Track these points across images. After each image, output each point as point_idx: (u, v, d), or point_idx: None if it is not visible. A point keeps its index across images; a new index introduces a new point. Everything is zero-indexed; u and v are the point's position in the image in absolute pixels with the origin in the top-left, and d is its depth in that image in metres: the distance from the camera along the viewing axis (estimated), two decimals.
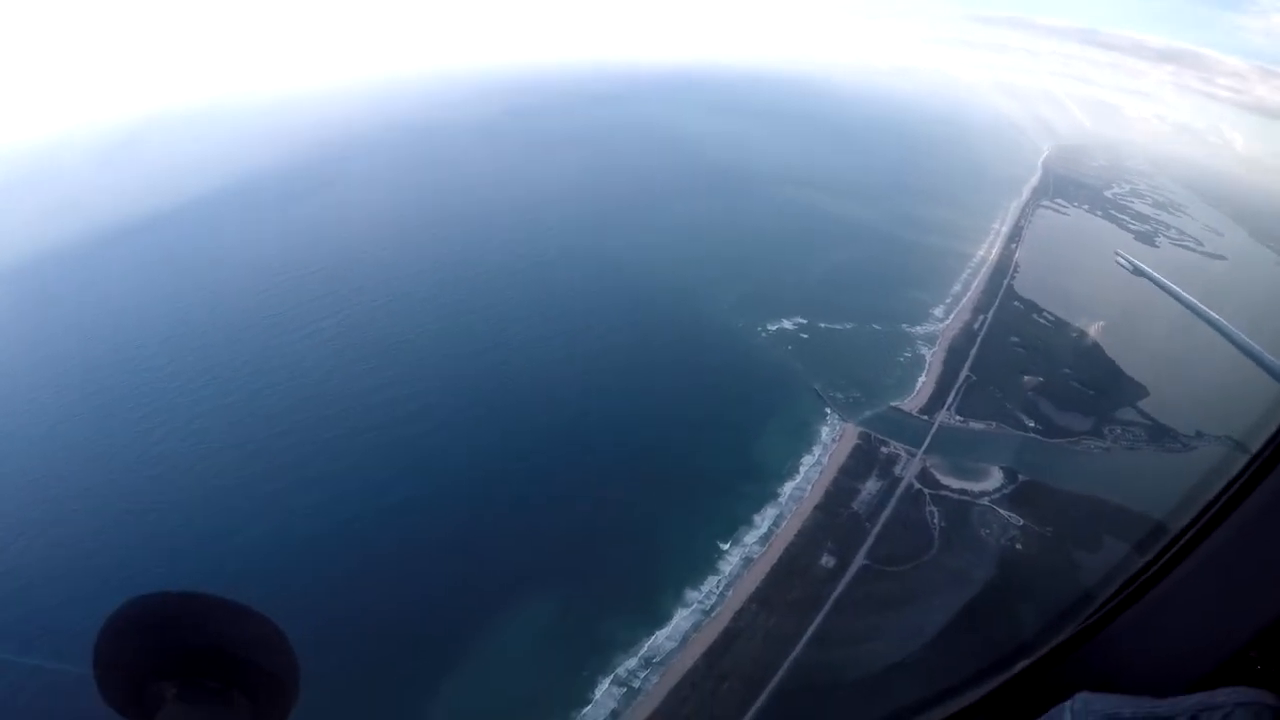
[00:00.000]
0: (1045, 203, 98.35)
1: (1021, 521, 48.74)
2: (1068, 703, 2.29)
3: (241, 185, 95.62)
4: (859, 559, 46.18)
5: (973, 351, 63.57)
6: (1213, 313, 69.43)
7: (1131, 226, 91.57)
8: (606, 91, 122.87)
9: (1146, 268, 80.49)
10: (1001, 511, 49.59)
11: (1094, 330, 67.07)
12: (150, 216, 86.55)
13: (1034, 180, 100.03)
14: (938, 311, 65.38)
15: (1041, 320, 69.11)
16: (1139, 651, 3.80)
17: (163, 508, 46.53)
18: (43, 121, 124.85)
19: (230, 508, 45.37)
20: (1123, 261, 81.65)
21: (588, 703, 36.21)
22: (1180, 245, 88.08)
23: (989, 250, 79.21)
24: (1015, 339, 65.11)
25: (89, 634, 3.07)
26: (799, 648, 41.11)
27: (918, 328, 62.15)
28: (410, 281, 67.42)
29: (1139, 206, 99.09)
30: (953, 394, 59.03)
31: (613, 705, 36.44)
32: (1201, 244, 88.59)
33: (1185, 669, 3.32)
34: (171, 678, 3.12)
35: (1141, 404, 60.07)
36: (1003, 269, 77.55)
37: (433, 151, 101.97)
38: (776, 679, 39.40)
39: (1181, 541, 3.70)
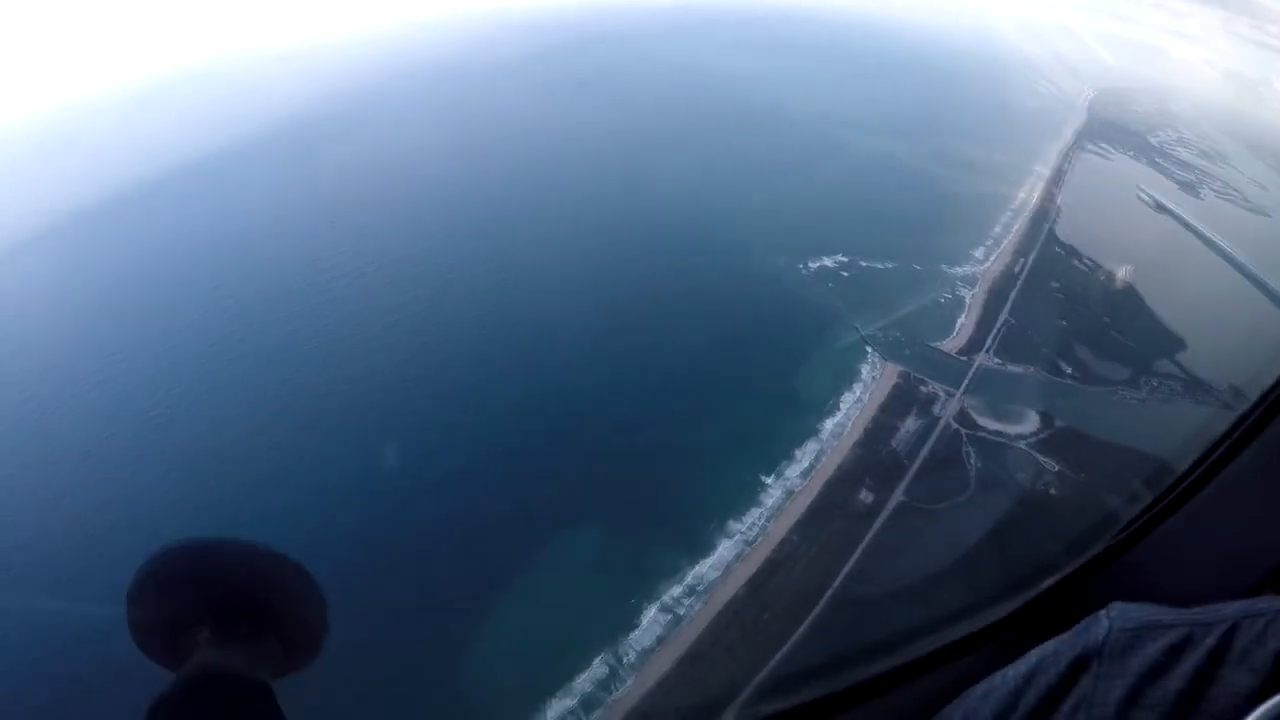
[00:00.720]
0: (1089, 146, 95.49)
1: (1056, 467, 48.77)
2: (1103, 611, 2.10)
3: (261, 138, 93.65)
4: (897, 495, 46.41)
5: (1012, 295, 62.67)
6: (1248, 263, 68.40)
7: (1176, 175, 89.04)
8: (630, 29, 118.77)
9: (1169, 204, 78.89)
10: (1037, 456, 49.54)
11: (1134, 279, 65.87)
12: (179, 168, 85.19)
13: (1078, 123, 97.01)
14: (978, 253, 64.24)
15: (1082, 266, 67.91)
16: (1176, 564, 3.66)
17: (207, 449, 46.72)
18: (56, 86, 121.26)
19: (266, 450, 45.47)
20: (1144, 197, 79.97)
21: (635, 627, 36.82)
22: (1224, 198, 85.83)
23: (1030, 193, 77.31)
24: (1055, 284, 64.13)
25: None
26: (838, 580, 41.65)
27: (958, 269, 61.13)
28: (440, 227, 66.52)
29: (1184, 155, 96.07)
30: (992, 336, 58.41)
31: (659, 631, 37.06)
32: (1246, 198, 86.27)
33: (1226, 582, 3.18)
34: (203, 624, 3.16)
35: (1179, 356, 59.31)
36: (1044, 213, 75.87)
37: (454, 97, 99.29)
38: (816, 609, 39.98)
39: (1222, 448, 3.50)
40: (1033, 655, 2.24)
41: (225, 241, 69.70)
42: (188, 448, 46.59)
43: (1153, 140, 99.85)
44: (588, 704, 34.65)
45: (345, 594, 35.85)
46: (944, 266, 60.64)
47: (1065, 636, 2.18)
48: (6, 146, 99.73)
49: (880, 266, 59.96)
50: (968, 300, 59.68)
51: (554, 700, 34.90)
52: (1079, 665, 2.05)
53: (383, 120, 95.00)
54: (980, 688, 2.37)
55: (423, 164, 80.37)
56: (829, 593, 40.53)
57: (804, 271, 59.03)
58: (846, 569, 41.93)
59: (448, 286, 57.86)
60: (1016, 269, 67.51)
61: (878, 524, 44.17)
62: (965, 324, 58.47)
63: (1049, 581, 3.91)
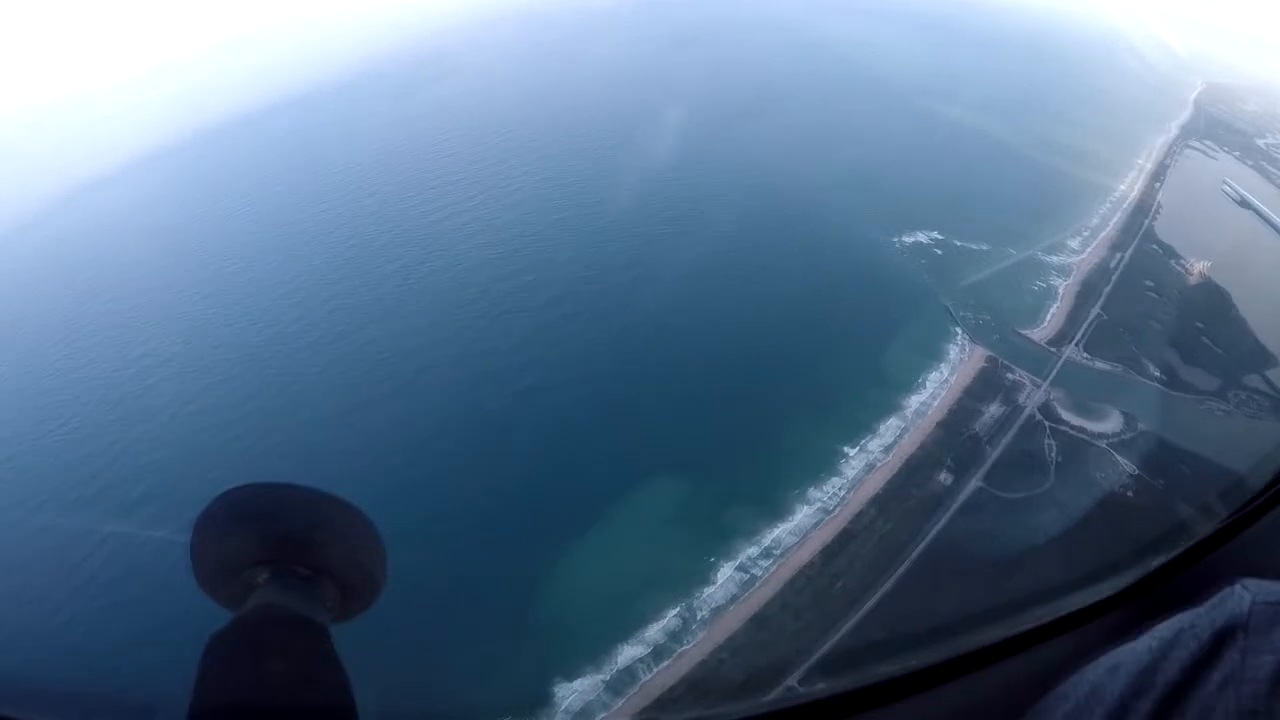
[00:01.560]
0: (1194, 143, 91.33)
1: (1135, 470, 47.69)
2: (1237, 585, 1.94)
3: (362, 76, 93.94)
4: (975, 480, 45.98)
5: (1106, 290, 60.86)
6: None
7: None
8: None
9: (1254, 200, 75.70)
10: (1117, 456, 48.51)
11: (1231, 287, 63.50)
12: (281, 104, 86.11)
13: (1183, 117, 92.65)
14: (1074, 243, 62.26)
15: (1178, 267, 65.56)
16: None
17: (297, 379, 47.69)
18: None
19: (362, 384, 46.24)
20: (1229, 190, 76.81)
21: (711, 584, 37.24)
22: None
23: (1131, 186, 74.43)
24: (1150, 283, 62.05)
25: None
26: (910, 557, 41.59)
27: (1052, 257, 59.39)
28: (539, 171, 66.13)
29: None
30: (1081, 330, 56.99)
31: (733, 590, 37.46)
32: None
33: None
34: (264, 564, 3.18)
35: (1269, 373, 57.40)
36: (1144, 208, 73.10)
37: (554, 41, 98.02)
38: (887, 584, 40.01)
39: None
40: (1164, 628, 2.11)
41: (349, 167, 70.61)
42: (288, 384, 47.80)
43: (1260, 143, 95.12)
44: (658, 653, 35.23)
45: (434, 527, 36.82)
46: (1039, 253, 58.98)
47: (1200, 610, 2.05)
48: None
49: (974, 247, 58.45)
50: (1060, 290, 58.09)
51: (625, 646, 35.55)
52: (1221, 639, 1.94)
53: (479, 63, 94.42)
54: (1106, 661, 2.25)
55: (519, 106, 79.94)
56: (902, 569, 40.49)
57: (897, 245, 57.83)
58: (920, 548, 41.76)
59: (538, 241, 57.82)
60: (1112, 264, 65.44)
61: (954, 506, 43.86)
62: (1056, 314, 57.04)
63: (1158, 560, 3.72)
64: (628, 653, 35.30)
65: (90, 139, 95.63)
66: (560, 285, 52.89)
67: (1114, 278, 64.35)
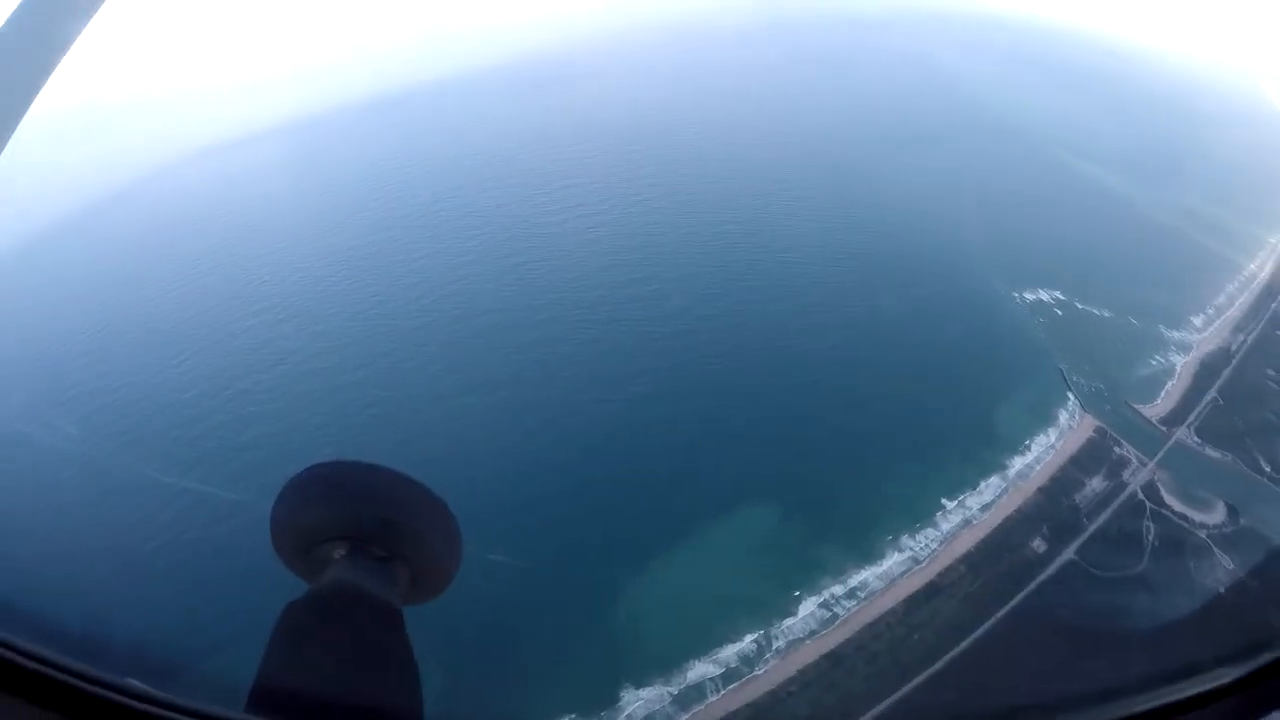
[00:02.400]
0: None
1: (1231, 566, 45.86)
2: None
3: (493, 74, 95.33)
4: (1068, 552, 44.96)
5: (1225, 373, 58.44)
6: None
7: None
8: (873, 15, 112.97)
9: None
10: (1216, 550, 46.76)
11: None
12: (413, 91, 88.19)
13: None
14: (1197, 320, 59.83)
15: None
16: None
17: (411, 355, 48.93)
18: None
19: (472, 372, 47.20)
20: None
21: (792, 615, 37.37)
22: None
23: (1262, 266, 70.99)
24: (1272, 372, 59.20)
25: None
26: (992, 621, 40.88)
27: (1174, 332, 57.20)
28: (658, 179, 66.19)
29: None
30: (1195, 413, 54.90)
31: (813, 625, 37.59)
32: None
33: None
34: (342, 540, 3.23)
35: None
36: (1273, 290, 69.67)
37: (689, 54, 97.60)
38: (965, 643, 39.41)
39: None
40: None
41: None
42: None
43: None
44: (729, 675, 35.53)
45: (528, 517, 37.51)
46: (1161, 326, 56.89)
47: None
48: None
49: (1096, 312, 56.73)
50: (1178, 368, 56.03)
51: (698, 663, 35.90)
52: None
53: (611, 71, 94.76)
54: None
55: (647, 114, 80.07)
56: (982, 630, 39.85)
57: (1018, 300, 56.47)
58: (1004, 612, 41.05)
59: (665, 253, 58.02)
60: (1233, 346, 62.75)
61: (1044, 575, 42.99)
62: (1171, 392, 55.09)
63: (1249, 664, 3.56)
64: (700, 669, 35.70)
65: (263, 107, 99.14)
66: (683, 300, 52.95)
67: (1235, 361, 61.69)
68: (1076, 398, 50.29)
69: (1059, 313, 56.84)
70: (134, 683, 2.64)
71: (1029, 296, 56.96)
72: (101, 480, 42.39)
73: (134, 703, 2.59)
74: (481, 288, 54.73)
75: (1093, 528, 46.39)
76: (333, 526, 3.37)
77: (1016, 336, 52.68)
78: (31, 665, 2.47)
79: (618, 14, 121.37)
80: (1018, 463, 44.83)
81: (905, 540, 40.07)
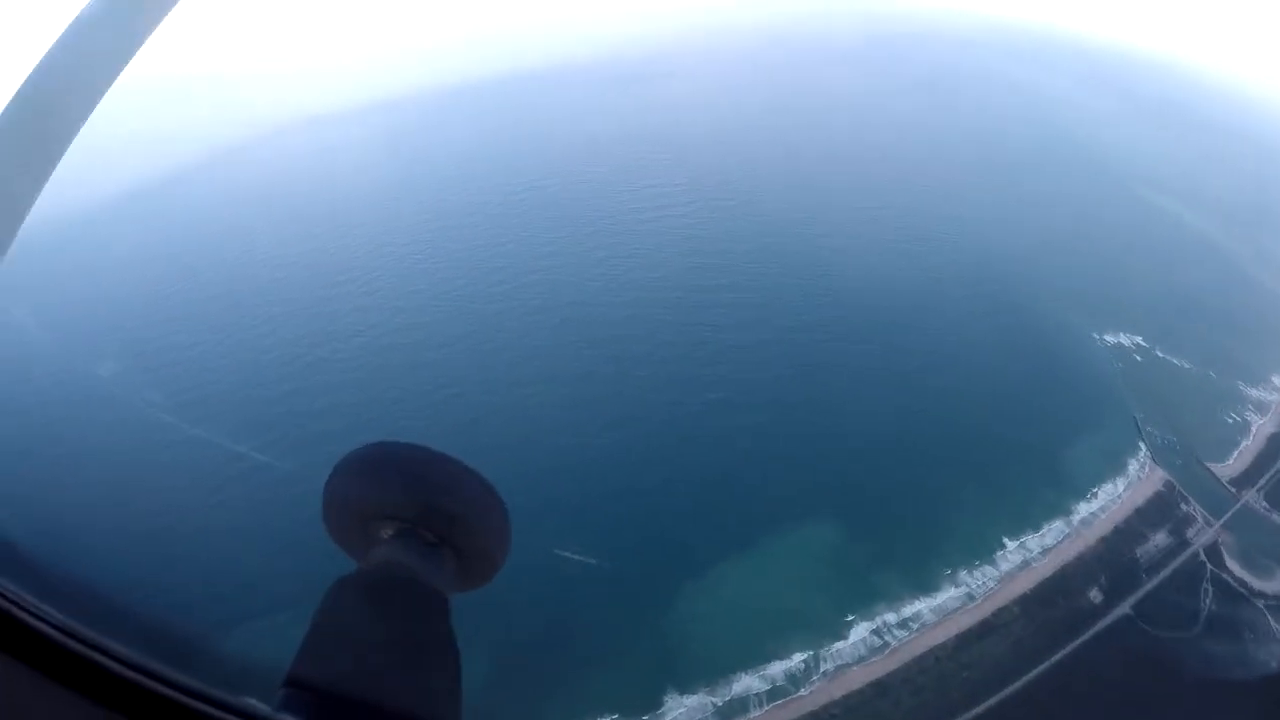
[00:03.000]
0: None
1: None
2: None
3: (589, 68, 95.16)
4: (1124, 606, 44.11)
5: None
6: None
7: None
8: (973, 38, 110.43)
9: None
10: (1273, 623, 45.49)
11: None
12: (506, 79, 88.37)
13: None
14: (1278, 380, 57.77)
15: None
16: None
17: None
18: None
19: (548, 362, 47.12)
20: None
21: (843, 639, 37.01)
22: None
23: None
24: None
25: None
26: (1042, 667, 40.23)
27: (1253, 390, 55.39)
28: (740, 185, 65.55)
29: None
30: (1267, 477, 53.22)
31: (863, 651, 37.32)
32: None
33: None
34: (392, 520, 3.22)
35: None
36: None
37: (787, 67, 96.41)
38: (1012, 687, 38.85)
39: None
40: None
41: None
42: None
43: None
44: (774, 692, 35.38)
45: (588, 513, 37.42)
46: (1240, 383, 55.10)
47: None
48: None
49: (1175, 362, 55.08)
50: (1254, 428, 54.29)
51: (745, 676, 35.72)
52: None
53: (704, 72, 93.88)
54: None
55: (738, 118, 79.31)
56: (1031, 676, 39.36)
57: (1097, 342, 54.93)
58: (1054, 660, 40.49)
59: (746, 260, 57.49)
60: None
61: (1098, 627, 42.28)
62: (1244, 452, 53.45)
63: None
64: (746, 682, 35.54)
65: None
66: (762, 311, 52.51)
67: None
68: (1148, 448, 49.03)
69: (1138, 358, 55.32)
70: (166, 670, 2.64)
71: (1109, 339, 55.48)
72: (166, 436, 43.00)
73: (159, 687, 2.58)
74: (563, 279, 54.68)
75: (1151, 584, 45.41)
76: (384, 506, 3.37)
77: (1093, 379, 51.44)
78: (75, 646, 2.49)
79: (714, 15, 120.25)
80: (1082, 509, 43.90)
81: (963, 575, 39.48)
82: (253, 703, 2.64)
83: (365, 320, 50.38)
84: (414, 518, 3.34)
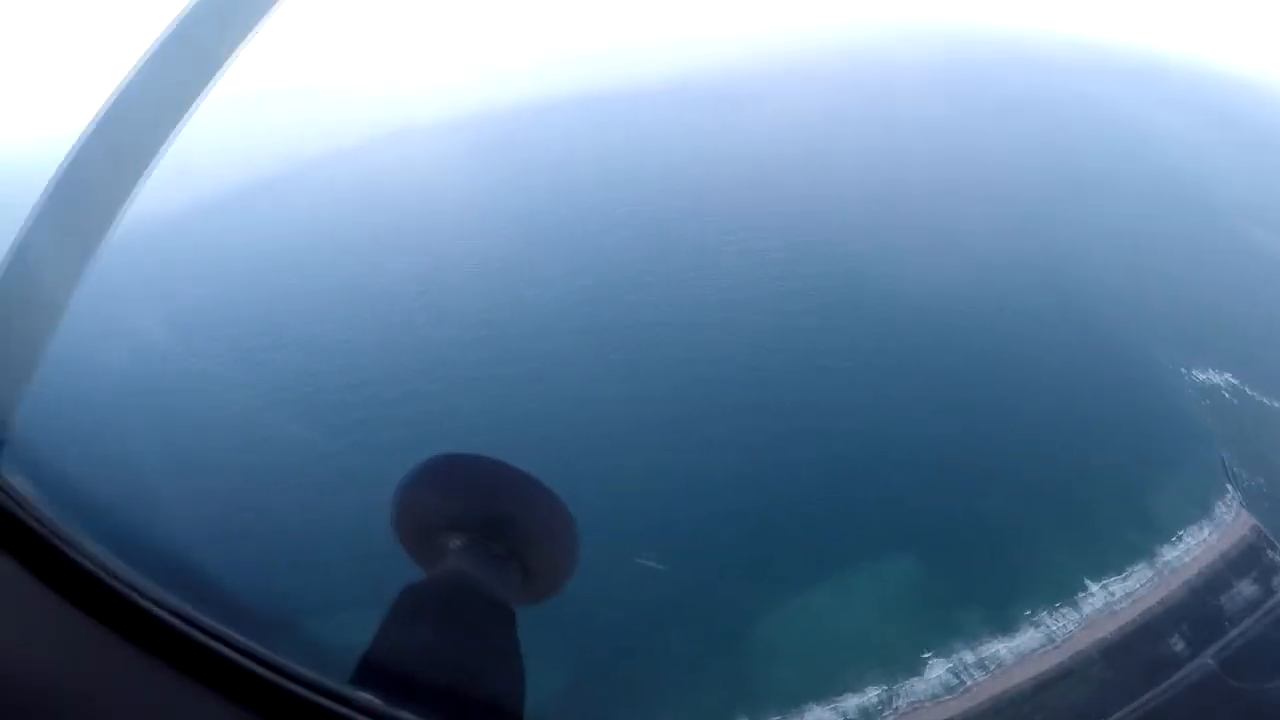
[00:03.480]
0: None
1: None
2: None
3: (689, 85, 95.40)
4: (1206, 656, 42.95)
5: None
6: None
7: None
8: (1055, 61, 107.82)
9: None
10: None
11: None
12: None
13: None
14: None
15: None
16: None
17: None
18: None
19: (629, 376, 47.40)
20: None
21: (918, 676, 36.76)
22: None
23: None
24: None
25: None
26: (1120, 712, 39.49)
27: None
28: (823, 212, 65.21)
29: None
30: None
31: (938, 689, 37.06)
32: None
33: None
34: (462, 531, 3.43)
35: None
36: None
37: (868, 90, 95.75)
38: None
39: None
40: None
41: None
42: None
43: None
44: None
45: (661, 532, 37.53)
46: None
47: None
48: None
49: (1269, 404, 53.22)
50: None
51: (816, 707, 35.55)
52: None
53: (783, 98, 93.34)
54: None
55: (826, 154, 78.66)
56: None
57: (1184, 377, 53.33)
58: (1132, 707, 39.75)
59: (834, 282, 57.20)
60: None
61: (1178, 675, 41.38)
62: None
63: None
64: (817, 713, 35.30)
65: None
66: (843, 338, 52.28)
67: None
68: (1236, 491, 47.51)
69: (1228, 397, 53.60)
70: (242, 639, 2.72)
71: (1198, 376, 53.83)
72: (251, 430, 44.13)
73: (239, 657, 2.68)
74: (655, 297, 54.79)
75: (1235, 633, 44.21)
76: (454, 517, 3.50)
77: (1180, 416, 49.99)
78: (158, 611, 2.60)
79: (797, 35, 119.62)
80: (1167, 553, 42.82)
81: (1044, 617, 38.87)
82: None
83: (446, 333, 51.18)
84: (482, 530, 3.47)
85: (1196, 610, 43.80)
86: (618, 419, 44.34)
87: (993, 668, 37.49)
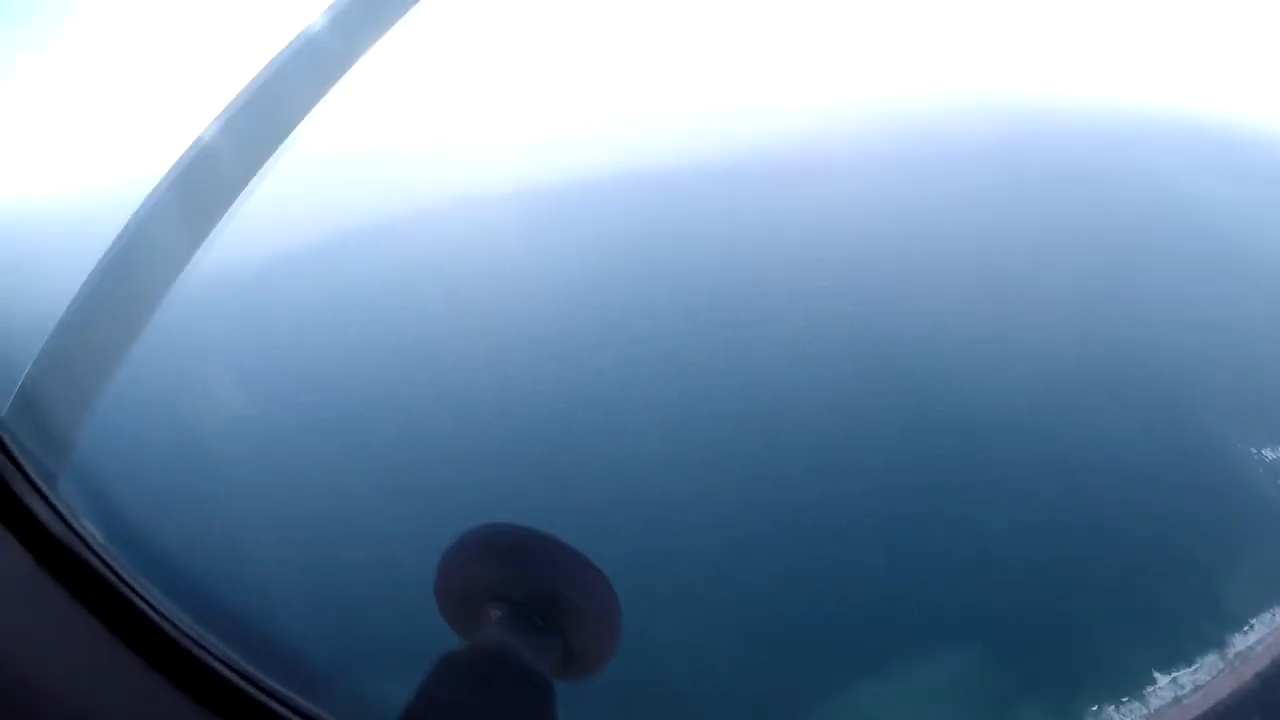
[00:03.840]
0: None
1: None
2: None
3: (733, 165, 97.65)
4: None
5: None
6: None
7: None
8: (1111, 128, 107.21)
9: None
10: None
11: None
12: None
13: None
14: None
15: None
16: None
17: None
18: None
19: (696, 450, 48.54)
20: None
21: None
22: None
23: None
24: None
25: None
26: None
27: None
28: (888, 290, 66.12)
29: None
30: None
31: None
32: None
33: None
34: (503, 603, 3.33)
35: None
36: None
37: (927, 164, 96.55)
38: None
39: None
40: None
41: None
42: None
43: None
44: None
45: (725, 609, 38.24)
46: None
47: None
48: None
49: None
50: None
51: None
52: None
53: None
54: None
55: (886, 231, 79.42)
56: None
57: (1255, 457, 52.52)
58: None
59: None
60: None
61: None
62: None
63: None
64: None
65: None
66: (911, 418, 52.77)
67: None
68: None
69: None
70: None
71: (1268, 455, 53.03)
72: (301, 484, 46.11)
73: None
74: (711, 375, 56.01)
75: None
76: (497, 587, 3.49)
77: (1250, 497, 49.18)
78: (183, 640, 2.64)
79: (850, 110, 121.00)
80: (1238, 641, 42.13)
81: (1109, 711, 38.50)
82: None
83: (501, 403, 53.06)
84: (525, 602, 3.43)
85: (1270, 700, 42.73)
86: (669, 499, 45.41)
87: None
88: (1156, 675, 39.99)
